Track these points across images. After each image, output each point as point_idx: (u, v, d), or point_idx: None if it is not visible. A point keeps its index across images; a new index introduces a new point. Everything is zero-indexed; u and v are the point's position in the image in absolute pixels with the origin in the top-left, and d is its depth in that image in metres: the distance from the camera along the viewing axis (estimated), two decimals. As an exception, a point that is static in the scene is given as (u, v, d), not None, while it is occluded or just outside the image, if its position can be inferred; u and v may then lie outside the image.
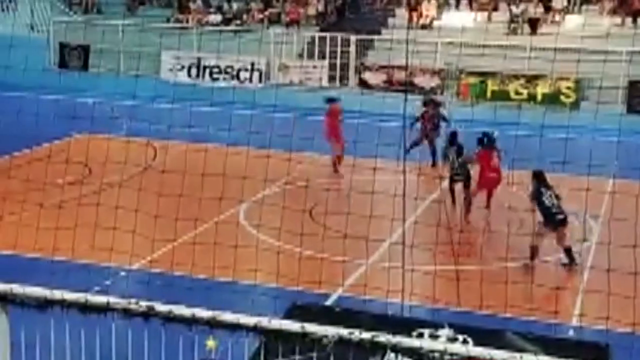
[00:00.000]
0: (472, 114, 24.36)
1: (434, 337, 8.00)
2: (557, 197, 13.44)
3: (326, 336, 3.29)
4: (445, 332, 8.22)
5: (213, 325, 3.44)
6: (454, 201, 16.36)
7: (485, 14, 30.62)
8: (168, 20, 32.70)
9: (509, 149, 18.91)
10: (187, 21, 32.46)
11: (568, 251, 13.35)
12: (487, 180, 15.94)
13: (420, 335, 7.87)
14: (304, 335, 3.32)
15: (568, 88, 26.82)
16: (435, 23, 30.08)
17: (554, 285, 12.65)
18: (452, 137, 17.02)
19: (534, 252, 13.26)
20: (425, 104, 21.14)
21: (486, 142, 16.28)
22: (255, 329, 3.42)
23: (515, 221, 15.62)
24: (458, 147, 16.73)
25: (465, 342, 7.90)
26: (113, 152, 17.86)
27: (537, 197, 13.51)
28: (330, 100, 20.32)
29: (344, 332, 3.31)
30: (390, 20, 31.24)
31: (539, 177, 13.76)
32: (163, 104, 23.77)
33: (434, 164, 19.84)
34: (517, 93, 27.17)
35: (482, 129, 21.30)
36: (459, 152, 16.59)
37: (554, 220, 13.25)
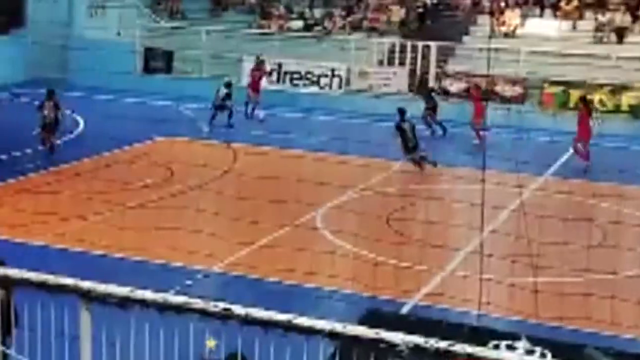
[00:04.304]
0: (554, 123, 24.05)
1: (511, 348, 7.88)
2: None
3: (401, 343, 3.28)
4: (522, 344, 8.09)
5: (288, 329, 3.46)
6: None
7: (570, 22, 30.06)
8: (250, 26, 33.07)
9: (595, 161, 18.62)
10: (269, 27, 32.75)
11: None
12: (583, 134, 19.82)
13: (497, 347, 7.77)
14: (379, 341, 3.32)
15: (655, 99, 26.10)
16: (519, 31, 29.68)
17: (636, 300, 12.33)
18: None
19: None
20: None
21: (583, 104, 20.73)
22: (331, 335, 3.43)
23: (597, 234, 15.32)
24: None
25: (542, 355, 7.77)
26: (194, 155, 18.12)
27: None
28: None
29: (420, 340, 3.29)
30: (472, 28, 30.95)
31: None
32: (243, 109, 24.08)
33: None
34: (601, 103, 26.59)
35: (566, 139, 20.96)
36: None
37: None
